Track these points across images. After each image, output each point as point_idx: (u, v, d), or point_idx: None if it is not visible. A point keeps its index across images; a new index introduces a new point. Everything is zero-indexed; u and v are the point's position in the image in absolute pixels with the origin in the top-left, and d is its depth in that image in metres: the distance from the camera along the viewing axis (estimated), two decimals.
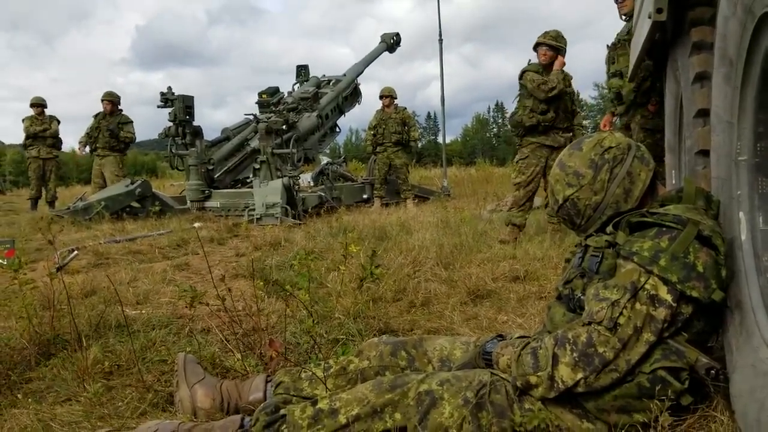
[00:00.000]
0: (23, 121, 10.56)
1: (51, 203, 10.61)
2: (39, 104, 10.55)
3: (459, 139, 76.20)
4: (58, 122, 10.79)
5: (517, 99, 5.76)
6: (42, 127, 10.50)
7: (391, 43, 12.35)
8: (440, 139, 17.73)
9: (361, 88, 11.92)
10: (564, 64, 5.58)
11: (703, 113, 2.21)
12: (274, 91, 10.27)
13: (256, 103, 10.13)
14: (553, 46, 5.56)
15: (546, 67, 5.62)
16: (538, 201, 6.70)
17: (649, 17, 2.51)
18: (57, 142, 10.77)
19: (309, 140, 10.03)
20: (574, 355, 1.61)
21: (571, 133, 5.68)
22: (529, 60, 5.81)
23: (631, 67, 4.01)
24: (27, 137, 10.52)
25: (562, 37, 5.64)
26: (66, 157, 54.50)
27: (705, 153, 2.16)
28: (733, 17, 1.55)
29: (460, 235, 5.09)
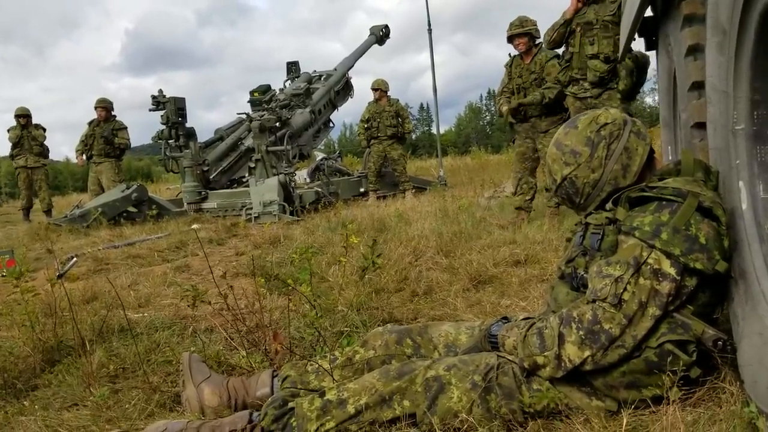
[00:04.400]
0: (8, 131, 10.50)
1: (47, 212, 10.58)
2: (24, 114, 10.49)
3: (453, 129, 76.11)
4: (44, 130, 10.75)
5: None
6: (30, 135, 10.44)
7: (381, 35, 12.29)
8: (434, 130, 17.70)
9: (355, 81, 11.90)
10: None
11: (698, 86, 2.19)
12: (265, 89, 10.22)
13: (249, 101, 10.09)
14: (523, 33, 5.80)
15: (524, 55, 5.88)
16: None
17: None
18: (44, 151, 10.72)
19: (303, 136, 10.00)
20: (580, 333, 1.60)
21: (558, 116, 5.76)
22: (510, 54, 6.05)
23: (621, 45, 3.99)
24: (13, 147, 10.46)
25: (526, 21, 5.83)
26: (60, 166, 54.40)
27: (701, 125, 2.15)
28: None
29: (459, 223, 5.08)
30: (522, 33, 5.77)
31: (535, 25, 5.82)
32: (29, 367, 2.56)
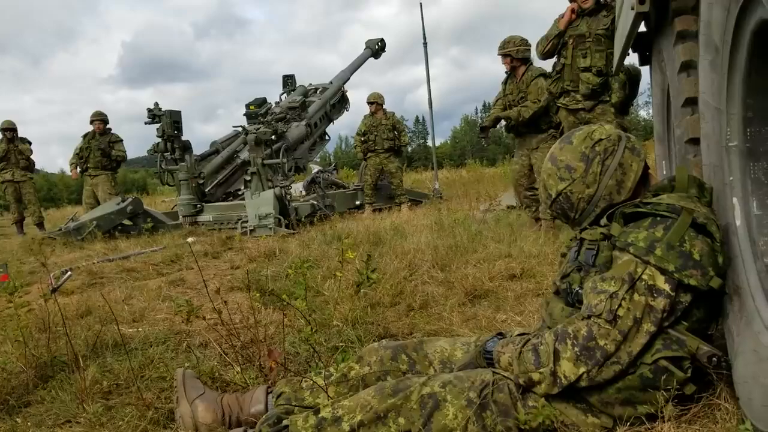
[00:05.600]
0: None
1: (40, 225, 10.55)
2: (11, 128, 10.46)
3: (448, 142, 76.24)
4: (30, 144, 10.72)
5: None
6: (17, 149, 10.41)
7: (376, 48, 12.38)
8: (430, 143, 17.74)
9: (351, 94, 11.97)
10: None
11: (691, 102, 2.20)
12: (261, 102, 10.26)
13: (244, 114, 10.12)
14: (504, 54, 5.98)
15: (511, 74, 6.06)
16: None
17: (632, 9, 2.52)
18: (30, 165, 10.68)
19: (299, 149, 10.03)
20: (576, 349, 1.60)
21: (546, 134, 5.90)
22: (505, 71, 6.20)
23: (615, 60, 4.02)
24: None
25: (508, 42, 5.97)
26: (55, 178, 54.31)
27: (695, 141, 2.16)
28: (716, 3, 1.55)
29: (455, 237, 5.08)
30: (503, 54, 5.96)
31: (518, 45, 5.95)
32: (22, 383, 2.54)
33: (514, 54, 5.90)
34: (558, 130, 5.88)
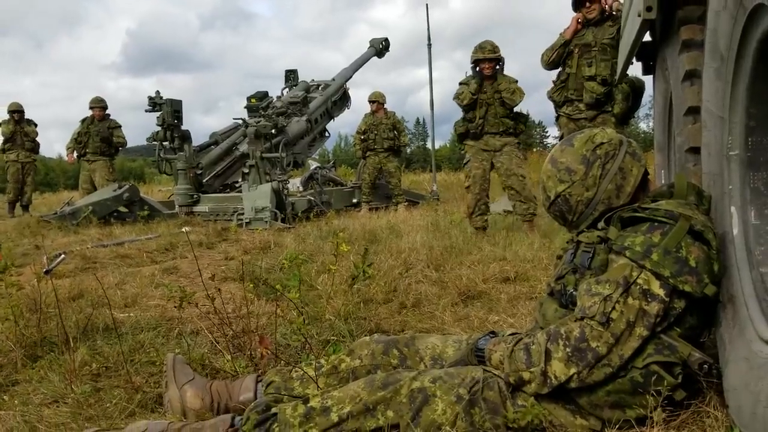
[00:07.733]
0: (0, 125, 10.51)
1: (26, 207, 10.57)
2: (18, 110, 10.47)
3: (448, 145, 76.19)
4: (35, 126, 10.75)
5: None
6: (23, 130, 10.46)
7: (380, 48, 12.37)
8: (429, 145, 17.77)
9: (353, 93, 11.97)
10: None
11: (694, 110, 2.21)
12: (262, 96, 10.24)
13: (245, 107, 10.10)
14: (495, 58, 5.75)
15: (488, 78, 5.76)
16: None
17: (639, 16, 2.52)
18: (35, 147, 10.74)
19: (298, 144, 10.01)
20: (567, 350, 1.60)
21: (512, 137, 5.83)
22: (466, 73, 6.00)
23: (619, 68, 4.02)
24: (5, 141, 10.45)
25: (497, 46, 5.79)
26: (52, 163, 54.13)
27: (695, 150, 2.16)
28: (723, 11, 1.56)
29: (450, 238, 5.08)
30: (495, 58, 5.75)
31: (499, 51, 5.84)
32: (11, 361, 2.53)
33: (501, 57, 5.81)
34: (518, 137, 5.90)
